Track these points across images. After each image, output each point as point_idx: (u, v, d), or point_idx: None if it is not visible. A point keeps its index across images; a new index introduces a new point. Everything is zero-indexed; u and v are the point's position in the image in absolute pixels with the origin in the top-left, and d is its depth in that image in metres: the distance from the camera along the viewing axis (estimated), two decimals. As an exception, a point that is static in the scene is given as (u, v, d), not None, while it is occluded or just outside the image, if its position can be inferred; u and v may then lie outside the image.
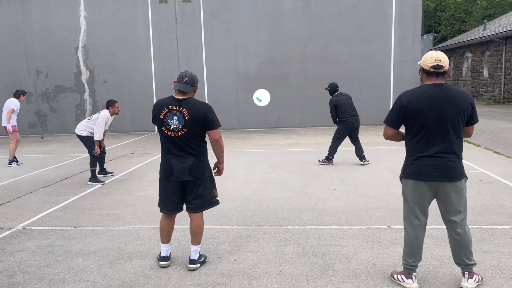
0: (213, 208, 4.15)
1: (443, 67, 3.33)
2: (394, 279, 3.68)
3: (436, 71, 3.35)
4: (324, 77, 15.49)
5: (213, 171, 4.23)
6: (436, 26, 39.04)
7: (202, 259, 4.20)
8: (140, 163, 9.63)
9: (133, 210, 6.10)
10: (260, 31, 15.62)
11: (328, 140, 12.30)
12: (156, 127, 4.13)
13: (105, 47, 16.04)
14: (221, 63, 15.77)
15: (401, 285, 3.61)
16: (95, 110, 16.20)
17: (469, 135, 3.59)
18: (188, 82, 3.92)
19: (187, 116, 3.85)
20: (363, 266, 4.05)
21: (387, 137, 3.61)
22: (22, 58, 16.34)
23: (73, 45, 16.14)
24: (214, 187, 4.15)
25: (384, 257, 4.22)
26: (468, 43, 26.11)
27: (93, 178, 7.75)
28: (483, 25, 27.43)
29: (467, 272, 3.54)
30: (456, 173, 3.39)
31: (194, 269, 4.07)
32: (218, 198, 4.19)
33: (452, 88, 3.39)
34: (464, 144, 10.73)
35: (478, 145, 10.51)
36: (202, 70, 15.82)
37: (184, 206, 4.18)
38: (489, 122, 15.13)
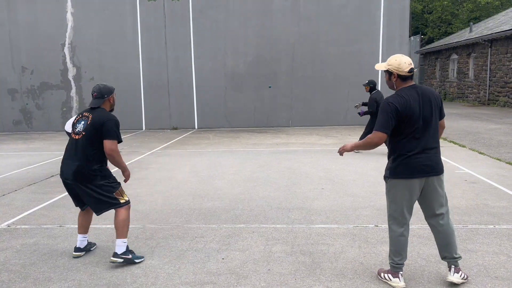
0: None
1: (414, 68, 3.57)
2: (381, 277, 3.72)
3: (411, 74, 3.51)
4: (312, 76, 15.57)
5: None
6: (423, 28, 39.41)
7: (130, 256, 4.15)
8: (127, 161, 9.56)
9: (120, 208, 6.04)
10: (248, 30, 15.62)
11: (315, 139, 12.38)
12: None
13: (92, 44, 15.89)
14: (210, 62, 15.74)
15: (388, 283, 3.66)
16: (81, 107, 16.05)
17: (443, 127, 3.75)
18: (97, 97, 4.20)
19: (90, 121, 4.12)
20: (350, 264, 4.08)
21: (378, 143, 3.53)
22: (7, 55, 16.12)
23: (59, 41, 15.96)
24: (113, 191, 4.17)
25: (371, 256, 4.25)
26: (454, 45, 26.40)
27: None
28: (469, 28, 27.76)
29: (453, 266, 3.62)
30: (441, 166, 3.58)
31: (114, 262, 4.09)
32: (122, 201, 4.21)
33: (425, 87, 3.58)
34: (450, 144, 10.88)
35: (463, 146, 10.64)
36: (190, 69, 15.78)
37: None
38: (474, 123, 15.33)
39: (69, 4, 15.77)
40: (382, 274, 3.73)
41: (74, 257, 4.35)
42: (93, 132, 4.05)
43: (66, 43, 15.97)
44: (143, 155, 10.38)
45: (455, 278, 3.58)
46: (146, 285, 3.77)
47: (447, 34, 36.38)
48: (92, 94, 4.22)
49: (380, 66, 3.65)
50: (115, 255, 4.11)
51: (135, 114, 16.00)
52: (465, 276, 3.63)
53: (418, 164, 3.46)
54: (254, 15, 15.54)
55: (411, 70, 3.49)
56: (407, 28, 15.69)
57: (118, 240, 4.14)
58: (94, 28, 15.83)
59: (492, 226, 5.03)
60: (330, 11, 15.36)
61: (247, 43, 15.67)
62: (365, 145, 3.61)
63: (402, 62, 3.48)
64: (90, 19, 15.81)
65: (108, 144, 4.04)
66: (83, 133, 4.08)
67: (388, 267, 3.85)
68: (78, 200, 4.32)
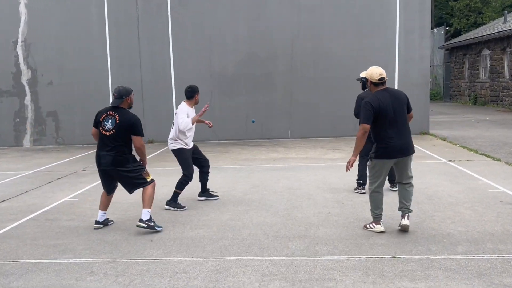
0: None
1: (385, 78, 5.76)
2: (367, 228, 6.00)
3: (381, 82, 5.76)
4: (315, 78, 15.68)
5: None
6: (448, 18, 39.91)
7: (152, 223, 6.12)
8: (94, 182, 9.56)
9: (86, 239, 6.07)
10: (239, 23, 15.75)
11: (320, 153, 12.44)
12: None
13: (51, 41, 15.95)
14: (192, 61, 15.82)
15: (372, 230, 5.92)
16: (38, 117, 16.02)
17: (411, 117, 5.99)
18: (116, 97, 6.12)
19: (117, 120, 6.01)
20: (363, 304, 4.12)
21: (365, 131, 5.69)
22: None
23: (11, 38, 16.01)
24: (141, 172, 6.22)
25: (388, 293, 4.29)
26: (486, 38, 26.73)
27: (174, 203, 7.45)
28: (503, 17, 28.15)
29: (406, 215, 5.89)
30: (411, 148, 5.86)
31: (139, 227, 6.09)
32: (149, 179, 6.23)
33: (393, 89, 6.00)
34: (481, 158, 10.99)
35: (498, 160, 10.74)
36: (169, 69, 15.85)
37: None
38: (510, 132, 15.48)
39: (22, -7, 15.87)
40: (368, 225, 6.01)
41: (95, 229, 6.32)
42: (122, 131, 6.00)
43: (19, 40, 16.02)
44: (113, 175, 10.38)
45: (406, 222, 5.86)
46: (117, 332, 3.78)
47: (477, 25, 36.81)
48: (114, 95, 6.14)
49: (362, 74, 5.96)
50: (141, 220, 6.08)
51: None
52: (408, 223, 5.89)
53: (394, 148, 5.69)
54: (246, 5, 15.68)
55: (381, 79, 5.73)
56: (428, 18, 15.91)
57: (144, 209, 6.11)
58: (53, 22, 15.89)
59: (532, 256, 5.09)
60: (336, 0, 15.54)
61: (237, 38, 15.80)
62: (358, 142, 5.78)
63: (374, 72, 5.75)
64: (48, 11, 15.88)
65: (137, 140, 6.08)
66: (113, 131, 5.99)
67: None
68: (110, 185, 6.37)
